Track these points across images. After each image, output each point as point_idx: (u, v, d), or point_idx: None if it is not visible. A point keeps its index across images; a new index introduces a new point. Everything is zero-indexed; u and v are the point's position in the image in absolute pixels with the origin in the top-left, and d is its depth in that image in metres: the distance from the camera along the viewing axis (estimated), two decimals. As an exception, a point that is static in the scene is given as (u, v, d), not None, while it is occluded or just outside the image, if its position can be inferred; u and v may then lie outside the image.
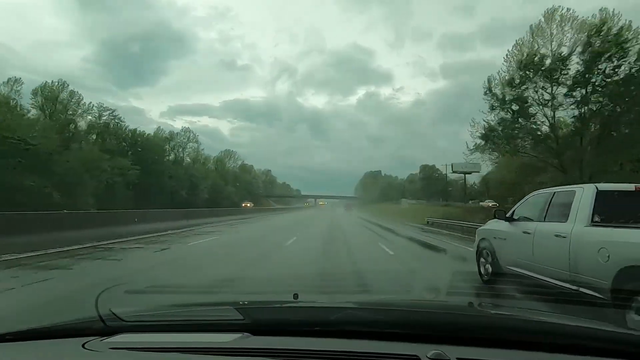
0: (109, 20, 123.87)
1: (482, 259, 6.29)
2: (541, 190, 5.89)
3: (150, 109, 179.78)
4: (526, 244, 5.10)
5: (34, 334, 1.27)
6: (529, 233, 5.13)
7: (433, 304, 1.62)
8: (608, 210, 4.23)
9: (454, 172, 57.12)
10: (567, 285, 4.17)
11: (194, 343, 1.16)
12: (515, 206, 6.01)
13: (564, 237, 4.32)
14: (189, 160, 69.25)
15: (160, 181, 52.61)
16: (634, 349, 1.11)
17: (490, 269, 5.96)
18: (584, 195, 4.43)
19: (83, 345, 1.14)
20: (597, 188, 4.41)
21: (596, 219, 4.19)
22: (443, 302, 1.73)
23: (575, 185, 5.04)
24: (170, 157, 63.59)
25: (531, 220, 5.31)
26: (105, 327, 1.23)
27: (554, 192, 5.21)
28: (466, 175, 55.84)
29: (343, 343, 1.12)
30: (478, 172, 56.09)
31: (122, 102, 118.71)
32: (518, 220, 5.59)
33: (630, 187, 4.56)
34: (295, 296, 1.57)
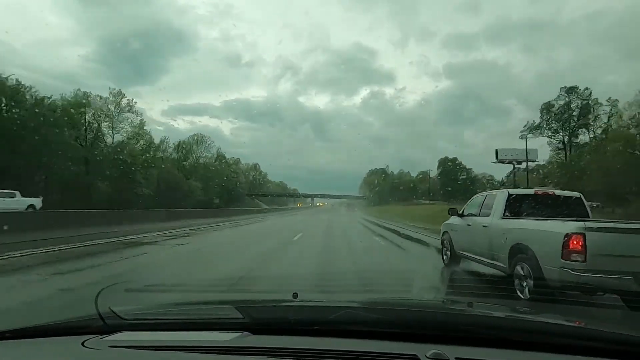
0: (109, 17, 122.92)
1: (444, 247, 8.00)
2: (480, 193, 7.52)
3: (150, 108, 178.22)
4: (468, 233, 6.75)
5: (33, 332, 1.28)
6: (470, 225, 6.76)
7: (432, 303, 1.63)
8: (515, 208, 5.97)
9: (499, 161, 41.04)
10: (488, 260, 5.87)
11: (193, 341, 1.16)
12: (465, 205, 7.63)
13: (487, 227, 6.00)
14: (134, 142, 46.97)
15: (60, 166, 34.28)
16: (633, 349, 1.11)
17: (448, 254, 7.59)
18: (501, 197, 6.11)
19: (83, 344, 1.14)
20: (509, 192, 6.18)
21: (507, 213, 5.85)
22: (442, 302, 1.73)
23: (497, 190, 6.84)
24: (88, 132, 42.93)
25: (473, 215, 6.82)
26: (104, 326, 1.23)
27: (487, 194, 6.84)
28: (515, 165, 40.24)
29: (342, 342, 1.12)
30: (534, 160, 40.75)
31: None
32: (466, 216, 7.11)
33: (532, 191, 6.49)
34: (295, 295, 1.57)
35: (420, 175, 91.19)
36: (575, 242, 4.16)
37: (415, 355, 1.02)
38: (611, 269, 4.06)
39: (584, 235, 4.14)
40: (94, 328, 1.24)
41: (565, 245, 4.21)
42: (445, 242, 7.90)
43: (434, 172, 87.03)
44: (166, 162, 53.05)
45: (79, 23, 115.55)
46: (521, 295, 4.78)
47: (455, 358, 1.02)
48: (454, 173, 75.74)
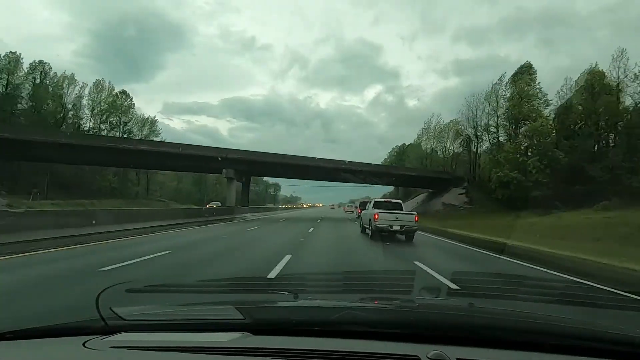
0: (103, 13, 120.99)
1: (361, 225, 17.56)
2: (373, 198, 18.39)
3: (146, 107, 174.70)
4: (365, 216, 16.07)
5: (34, 333, 1.28)
6: (365, 212, 16.34)
7: (433, 304, 1.63)
8: (377, 206, 14.79)
9: None
10: (367, 225, 15.37)
11: (194, 342, 1.16)
12: (369, 204, 16.48)
13: (367, 213, 15.57)
14: None
15: None
16: (633, 349, 1.11)
17: (360, 227, 17.85)
18: (374, 201, 16.05)
19: (84, 344, 1.14)
20: (375, 200, 16.36)
21: (373, 208, 14.68)
22: (443, 302, 1.74)
23: (374, 198, 18.77)
24: None
25: (367, 209, 15.97)
26: (105, 326, 1.23)
27: (373, 199, 16.90)
28: None
29: (343, 343, 1.12)
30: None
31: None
32: (366, 209, 16.19)
33: (383, 199, 17.41)
34: (296, 296, 1.57)
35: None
36: (375, 216, 13.40)
37: (416, 355, 1.02)
38: (384, 224, 13.24)
39: (378, 213, 13.45)
40: (95, 329, 1.24)
41: (374, 216, 13.51)
42: (361, 221, 18.32)
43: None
44: None
45: (73, 17, 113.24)
46: (368, 233, 14.62)
47: (456, 358, 1.02)
48: None
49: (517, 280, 5.26)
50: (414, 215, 13.91)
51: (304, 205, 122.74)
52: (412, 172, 43.83)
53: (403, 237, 13.79)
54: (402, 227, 13.30)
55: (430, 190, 46.01)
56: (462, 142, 48.82)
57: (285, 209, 75.43)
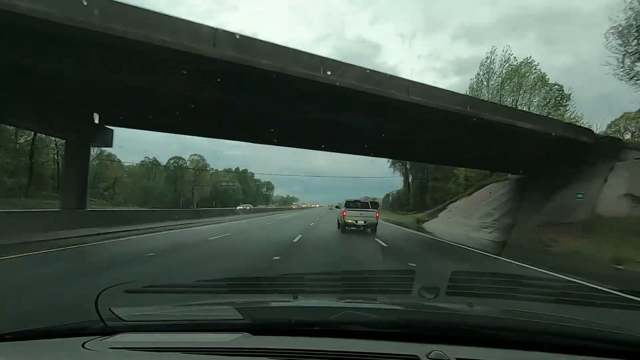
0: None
1: (337, 220, 20.26)
2: (346, 199, 19.19)
3: None
4: (338, 213, 20.47)
5: (33, 334, 1.27)
6: (338, 211, 23.03)
7: (433, 304, 1.63)
8: (348, 205, 17.89)
9: None
10: (340, 222, 18.40)
11: (194, 343, 1.16)
12: (342, 203, 19.38)
13: (339, 210, 22.26)
14: None
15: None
16: (633, 349, 1.11)
17: (337, 224, 19.95)
18: (345, 201, 18.85)
19: (83, 345, 1.13)
20: (347, 200, 18.69)
21: (345, 206, 17.91)
22: (443, 302, 1.74)
23: (346, 199, 19.79)
24: None
25: (340, 208, 20.82)
26: (105, 327, 1.23)
27: (346, 200, 18.94)
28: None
29: (343, 343, 1.12)
30: None
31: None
32: (339, 207, 25.46)
33: (354, 199, 19.72)
34: (295, 296, 1.57)
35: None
36: (344, 213, 16.98)
37: (415, 355, 1.02)
38: (351, 220, 16.55)
39: (346, 211, 16.92)
40: (94, 329, 1.23)
41: (342, 213, 17.16)
42: (337, 219, 20.52)
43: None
44: None
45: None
46: (341, 229, 17.27)
47: (456, 358, 1.02)
48: None
49: (516, 280, 5.27)
50: (374, 212, 17.12)
51: (294, 206, 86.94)
52: (521, 124, 13.55)
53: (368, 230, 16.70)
54: (365, 222, 16.43)
55: (515, 176, 22.80)
56: (549, 99, 27.80)
57: (250, 211, 41.82)
